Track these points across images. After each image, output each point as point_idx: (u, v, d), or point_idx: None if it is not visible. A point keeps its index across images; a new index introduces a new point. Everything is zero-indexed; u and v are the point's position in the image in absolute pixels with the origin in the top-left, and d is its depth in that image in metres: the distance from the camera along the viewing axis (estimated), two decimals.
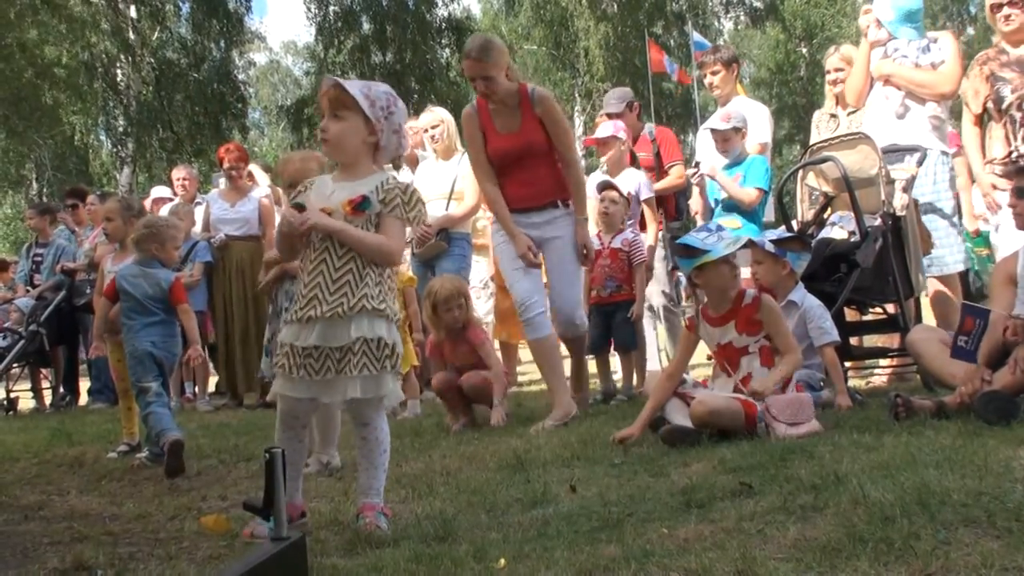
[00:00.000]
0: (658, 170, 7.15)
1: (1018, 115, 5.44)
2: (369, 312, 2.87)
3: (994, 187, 5.54)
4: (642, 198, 6.68)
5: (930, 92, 5.70)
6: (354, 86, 2.95)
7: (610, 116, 7.10)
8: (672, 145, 7.35)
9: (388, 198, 2.94)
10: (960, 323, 4.19)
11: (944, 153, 5.79)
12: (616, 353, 6.62)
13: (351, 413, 3.02)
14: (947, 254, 5.71)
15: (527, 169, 5.14)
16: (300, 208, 2.95)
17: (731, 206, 6.08)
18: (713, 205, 6.38)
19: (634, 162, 6.91)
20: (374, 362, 2.86)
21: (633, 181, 6.68)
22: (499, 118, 5.16)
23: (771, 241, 5.04)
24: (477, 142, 5.22)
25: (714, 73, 6.84)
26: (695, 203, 7.14)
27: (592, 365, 6.50)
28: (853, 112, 6.41)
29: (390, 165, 6.06)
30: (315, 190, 3.02)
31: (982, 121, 5.70)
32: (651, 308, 6.88)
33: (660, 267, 6.86)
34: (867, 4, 6.29)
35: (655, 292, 6.87)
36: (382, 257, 2.96)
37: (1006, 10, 5.51)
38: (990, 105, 5.59)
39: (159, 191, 9.86)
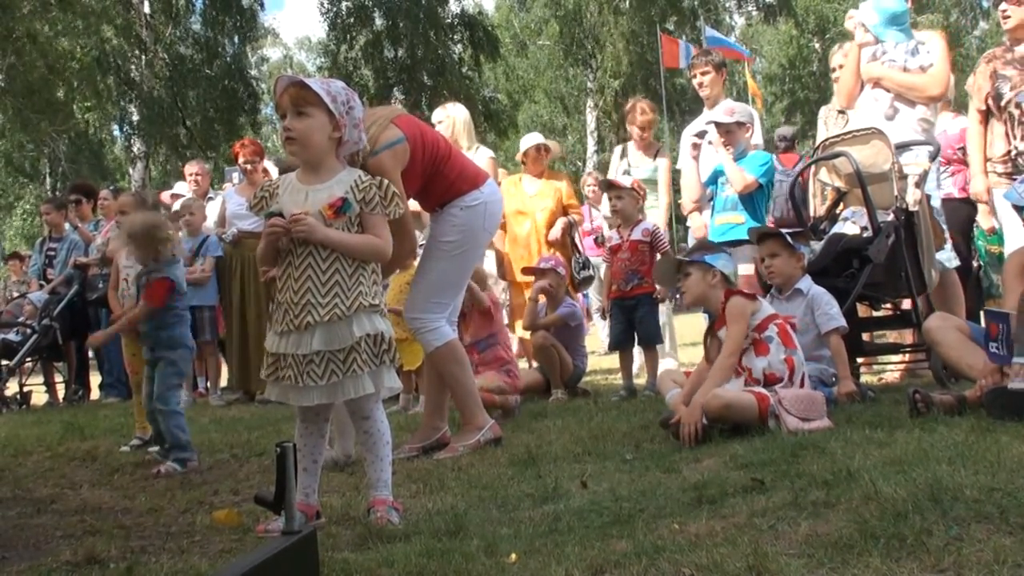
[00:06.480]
0: None
1: (1016, 112, 5.42)
2: (367, 309, 2.89)
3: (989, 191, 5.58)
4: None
5: (919, 95, 5.66)
6: (314, 83, 2.93)
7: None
8: None
9: (367, 197, 2.94)
10: (986, 331, 4.17)
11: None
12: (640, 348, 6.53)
13: (350, 408, 3.04)
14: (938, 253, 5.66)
15: None
16: (279, 217, 2.93)
17: (733, 202, 5.99)
18: (711, 195, 6.25)
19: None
20: (374, 357, 2.89)
21: None
22: None
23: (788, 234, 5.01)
24: None
25: (704, 74, 6.78)
26: (690, 186, 6.80)
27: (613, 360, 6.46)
28: None
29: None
30: (288, 196, 2.97)
31: (987, 118, 5.67)
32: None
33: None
34: (852, 8, 6.24)
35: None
36: (377, 257, 2.99)
37: (1003, 6, 5.54)
38: (991, 102, 5.57)
39: (180, 187, 9.84)
